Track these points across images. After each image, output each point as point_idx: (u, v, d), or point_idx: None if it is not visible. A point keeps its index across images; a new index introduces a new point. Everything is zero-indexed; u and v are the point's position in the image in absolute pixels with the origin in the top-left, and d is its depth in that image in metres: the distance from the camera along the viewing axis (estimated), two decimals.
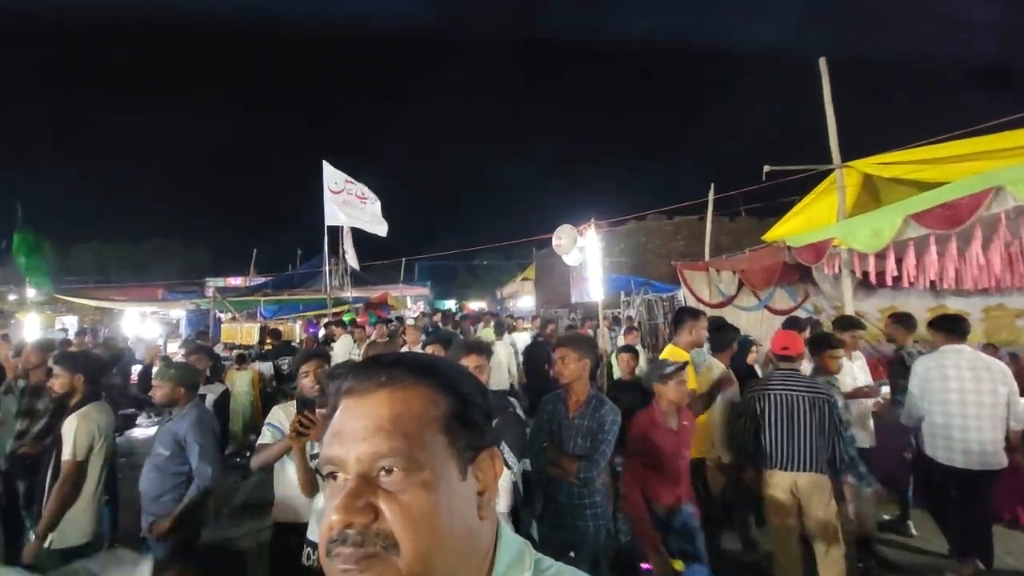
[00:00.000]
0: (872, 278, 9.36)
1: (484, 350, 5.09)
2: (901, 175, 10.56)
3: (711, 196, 15.42)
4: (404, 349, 11.29)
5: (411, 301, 29.39)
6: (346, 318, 19.67)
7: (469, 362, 4.87)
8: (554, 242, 13.04)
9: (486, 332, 15.44)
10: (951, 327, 7.48)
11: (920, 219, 7.93)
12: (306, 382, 5.54)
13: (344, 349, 13.56)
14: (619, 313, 21.18)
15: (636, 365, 10.17)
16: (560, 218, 14.23)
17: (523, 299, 40.18)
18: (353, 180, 15.87)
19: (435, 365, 1.92)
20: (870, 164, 11.05)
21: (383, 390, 1.86)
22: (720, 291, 13.78)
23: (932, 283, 8.38)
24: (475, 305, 52.99)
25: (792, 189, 14.32)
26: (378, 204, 15.98)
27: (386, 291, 23.62)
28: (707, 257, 15.26)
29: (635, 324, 16.32)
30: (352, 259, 17.11)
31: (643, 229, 26.47)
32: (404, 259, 23.77)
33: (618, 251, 26.22)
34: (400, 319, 18.98)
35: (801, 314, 12.30)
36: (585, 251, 12.93)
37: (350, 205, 15.67)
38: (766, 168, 11.50)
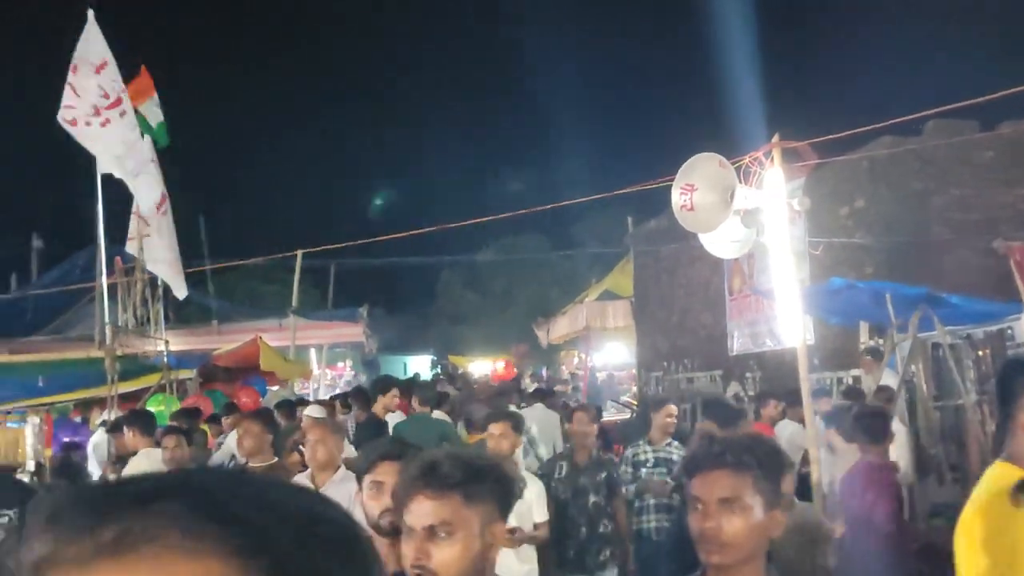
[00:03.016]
0: None
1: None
2: None
3: None
4: (302, 479, 5.20)
5: (319, 358, 18.47)
6: (156, 406, 10.30)
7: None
8: (676, 199, 5.06)
9: None
10: None
11: None
12: None
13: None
14: (852, 380, 10.35)
15: None
16: (676, 154, 5.50)
17: (604, 346, 24.46)
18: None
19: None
20: None
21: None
22: None
23: None
24: (483, 366, 35.34)
25: None
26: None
27: (256, 335, 12.84)
28: None
29: (898, 403, 7.11)
30: (169, 265, 9.23)
31: (908, 160, 11.49)
32: (301, 252, 13.75)
33: (845, 218, 12.45)
34: (290, 404, 10.14)
35: None
36: (759, 220, 5.84)
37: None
38: None
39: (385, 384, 9.40)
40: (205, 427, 9.45)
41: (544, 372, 32.31)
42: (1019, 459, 2.59)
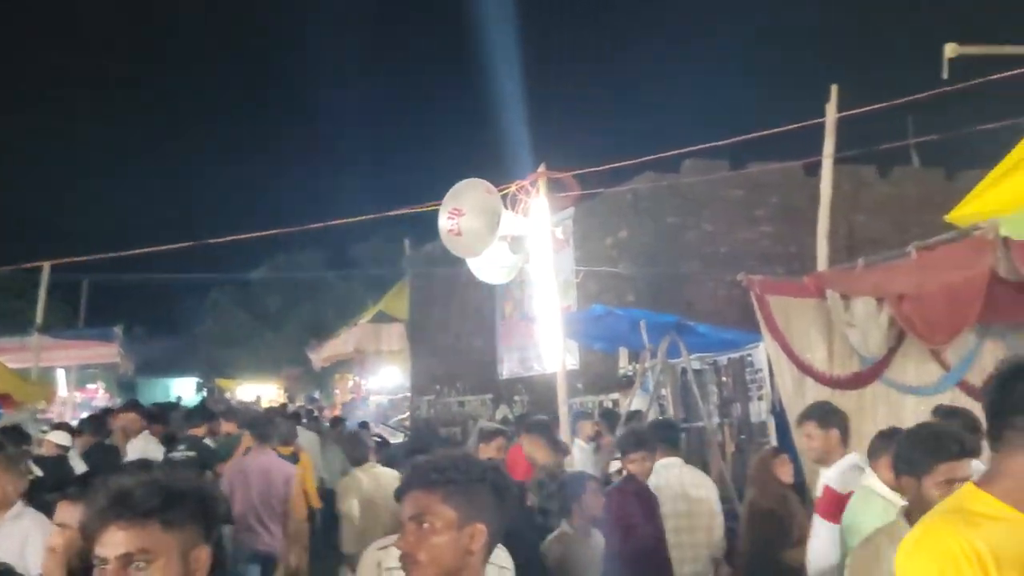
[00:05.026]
0: None
1: None
2: None
3: (832, 110, 6.80)
4: None
5: (68, 380, 17.47)
6: None
7: None
8: (443, 224, 4.70)
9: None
10: None
11: None
12: None
13: None
14: (612, 404, 10.63)
15: None
16: (450, 176, 5.53)
17: (379, 369, 24.20)
18: None
19: None
20: None
21: None
22: (853, 349, 6.30)
23: None
24: (252, 390, 34.63)
25: (1012, 103, 6.42)
26: None
27: None
28: (822, 265, 6.86)
29: (646, 428, 7.42)
30: None
31: (667, 195, 12.15)
32: (50, 264, 13.09)
33: (610, 247, 12.83)
34: (17, 430, 8.84)
35: None
36: (526, 246, 6.12)
37: None
38: (951, 50, 5.98)
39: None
40: None
41: (318, 396, 31.70)
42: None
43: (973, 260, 5.61)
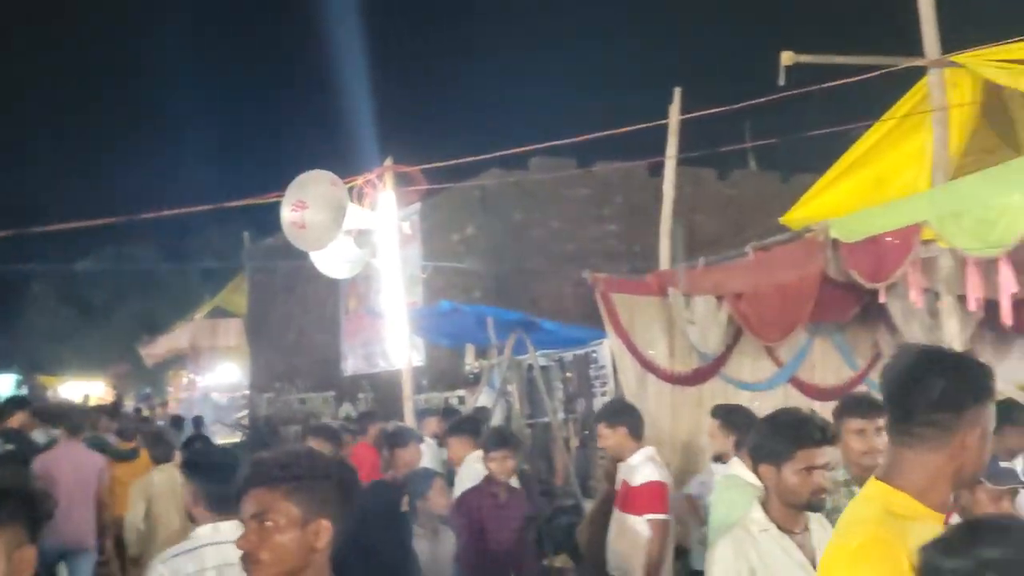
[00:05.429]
0: (1007, 315, 4.78)
1: None
2: None
3: (675, 112, 6.96)
4: None
5: None
6: None
7: None
8: (286, 216, 5.57)
9: None
10: None
11: None
12: None
13: None
14: (459, 400, 10.52)
15: None
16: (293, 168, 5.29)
17: (215, 366, 22.84)
18: None
19: None
20: (993, 62, 6.11)
21: None
22: (692, 346, 6.42)
23: None
24: (78, 387, 31.98)
25: (844, 111, 6.85)
26: None
27: None
28: (664, 264, 7.01)
29: (495, 425, 7.39)
30: None
31: (514, 192, 12.19)
32: None
33: (457, 244, 12.77)
34: None
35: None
36: (372, 241, 5.99)
37: None
38: (787, 58, 6.03)
39: None
40: None
41: (150, 392, 30.37)
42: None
43: (805, 261, 5.86)
